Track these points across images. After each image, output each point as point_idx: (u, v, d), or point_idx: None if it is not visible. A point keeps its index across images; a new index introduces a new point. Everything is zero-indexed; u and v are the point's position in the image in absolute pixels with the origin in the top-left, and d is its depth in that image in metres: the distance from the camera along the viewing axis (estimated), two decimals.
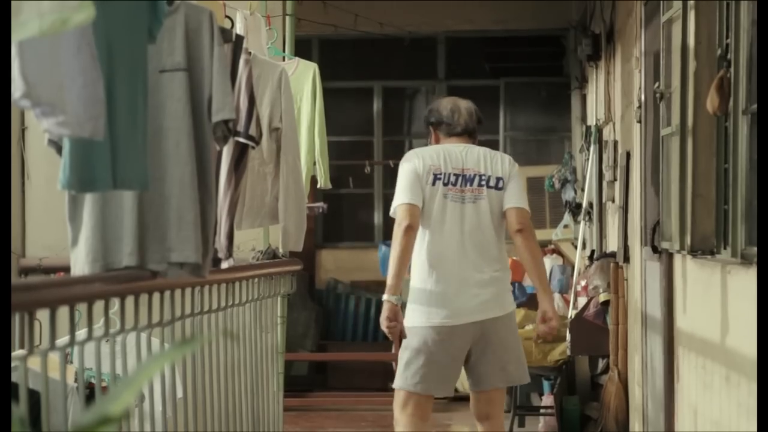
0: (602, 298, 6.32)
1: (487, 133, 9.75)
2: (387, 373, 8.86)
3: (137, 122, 2.59)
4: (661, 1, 4.63)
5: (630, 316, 6.00)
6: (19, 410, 1.79)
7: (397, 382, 4.25)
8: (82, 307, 2.55)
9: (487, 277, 4.16)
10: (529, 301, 7.87)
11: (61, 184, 2.42)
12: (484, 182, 4.22)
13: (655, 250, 4.84)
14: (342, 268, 9.53)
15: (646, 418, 5.39)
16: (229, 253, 3.40)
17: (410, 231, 4.11)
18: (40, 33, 1.82)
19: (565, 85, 9.38)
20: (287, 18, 5.43)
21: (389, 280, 4.11)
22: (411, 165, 4.22)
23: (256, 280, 3.98)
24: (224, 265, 3.40)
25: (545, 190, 8.88)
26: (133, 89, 2.58)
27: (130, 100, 2.56)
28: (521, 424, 6.91)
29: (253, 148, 3.71)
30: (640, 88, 5.55)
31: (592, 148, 7.40)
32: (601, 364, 6.63)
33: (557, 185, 8.64)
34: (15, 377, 2.31)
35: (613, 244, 6.70)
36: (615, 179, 6.59)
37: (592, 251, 7.43)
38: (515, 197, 4.24)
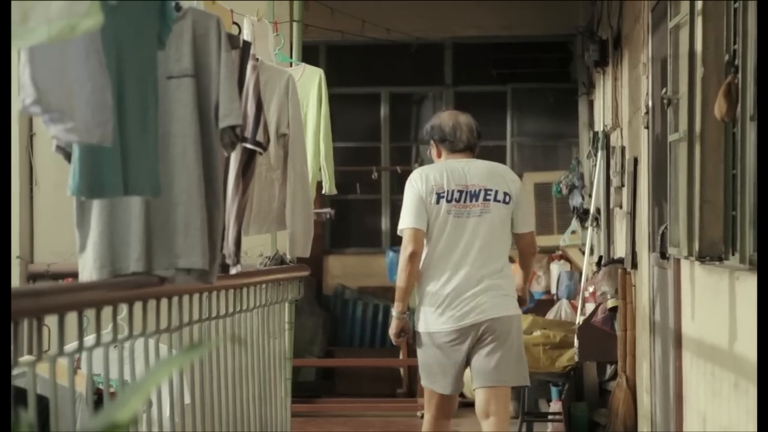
0: (610, 304, 6.31)
1: (495, 139, 9.75)
2: (394, 379, 8.86)
3: (147, 128, 2.60)
4: (669, 7, 4.63)
5: (638, 322, 5.99)
6: (28, 416, 1.79)
7: (423, 381, 4.64)
8: (90, 313, 2.56)
9: (488, 284, 4.44)
10: (536, 307, 7.87)
11: (71, 191, 2.43)
12: (490, 197, 4.47)
13: (663, 256, 4.83)
14: (349, 274, 9.52)
15: (655, 424, 5.38)
16: (237, 259, 3.40)
17: (415, 257, 4.45)
18: (48, 39, 1.83)
19: (573, 91, 9.37)
20: (294, 24, 5.44)
21: (397, 301, 4.54)
22: (415, 189, 4.50)
23: (263, 285, 3.98)
24: (232, 271, 3.40)
25: (552, 195, 8.87)
26: (142, 95, 2.59)
27: (140, 105, 2.57)
28: (529, 431, 6.90)
29: (261, 154, 3.72)
30: (647, 93, 5.55)
31: (599, 154, 7.40)
32: (609, 370, 6.62)
33: (565, 191, 8.63)
34: (23, 383, 2.31)
35: (620, 250, 6.69)
36: (622, 185, 6.59)
37: (600, 257, 7.42)
38: (527, 221, 4.64)
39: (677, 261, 4.59)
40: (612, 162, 6.97)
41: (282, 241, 4.70)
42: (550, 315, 7.62)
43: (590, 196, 7.90)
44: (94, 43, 2.20)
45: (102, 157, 2.42)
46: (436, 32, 9.58)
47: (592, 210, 7.68)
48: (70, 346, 2.46)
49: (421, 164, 8.41)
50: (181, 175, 2.88)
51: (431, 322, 4.45)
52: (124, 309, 2.81)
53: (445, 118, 4.73)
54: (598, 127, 7.90)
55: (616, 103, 6.97)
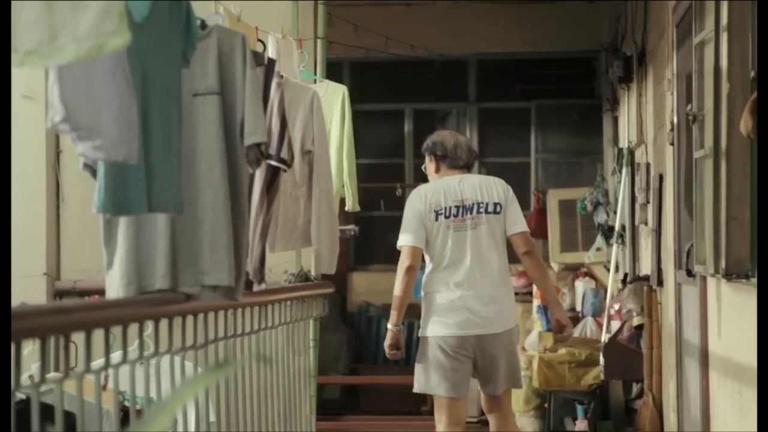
0: (636, 321, 6.27)
1: (519, 156, 9.74)
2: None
3: (172, 145, 2.61)
4: (694, 23, 4.61)
5: (664, 340, 5.95)
6: None
7: (415, 387, 4.83)
8: (116, 330, 2.57)
9: (489, 295, 4.69)
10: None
11: (96, 208, 2.44)
12: (482, 209, 4.73)
13: (689, 273, 4.80)
14: (374, 291, 9.52)
15: None
16: (262, 276, 3.40)
17: (411, 271, 4.74)
18: (77, 58, 1.84)
19: (597, 107, 9.35)
20: (318, 41, 5.46)
21: (393, 312, 4.77)
22: (415, 208, 4.79)
23: (288, 303, 3.98)
24: (257, 288, 3.41)
25: (577, 212, 8.84)
26: (167, 113, 2.60)
27: (164, 123, 2.58)
28: None
29: (285, 171, 3.73)
30: (672, 110, 5.52)
31: (624, 171, 7.37)
32: (635, 388, 6.58)
33: (589, 208, 8.60)
34: (51, 399, 2.32)
35: (646, 267, 6.65)
36: (648, 202, 6.55)
37: (625, 274, 7.38)
38: (517, 222, 4.77)
39: (703, 278, 4.56)
40: (637, 178, 6.94)
41: (306, 258, 4.70)
42: (576, 332, 7.58)
43: (615, 212, 7.87)
44: (121, 60, 2.22)
45: (127, 175, 2.44)
46: (459, 48, 9.59)
47: (617, 227, 7.64)
48: (97, 362, 2.47)
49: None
50: (206, 192, 2.89)
51: (436, 328, 4.69)
52: (150, 326, 2.82)
53: (447, 136, 4.99)
54: (623, 143, 7.87)
55: (641, 119, 6.95)
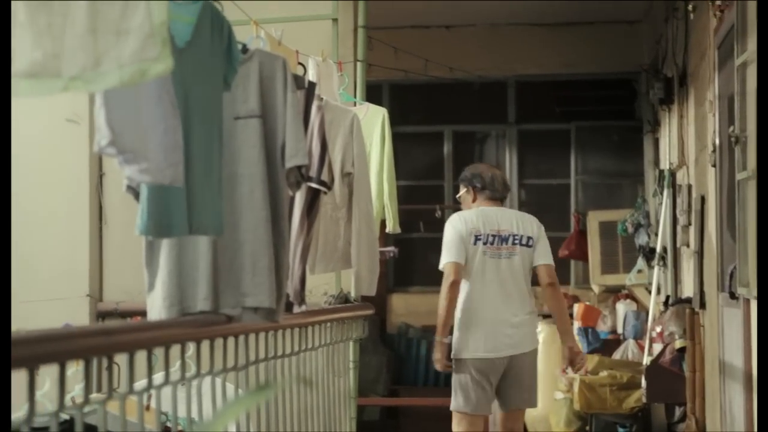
0: (678, 344, 6.21)
1: (558, 177, 9.71)
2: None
3: (213, 169, 2.63)
4: (736, 45, 4.59)
5: (707, 363, 5.89)
6: None
7: (452, 405, 5.08)
8: (158, 351, 2.58)
9: (518, 319, 5.00)
10: (603, 347, 7.78)
11: (139, 230, 2.47)
12: (517, 241, 5.05)
13: (732, 296, 4.76)
14: (413, 313, 9.50)
15: None
16: (302, 297, 3.42)
17: (455, 285, 4.99)
18: (120, 84, 1.87)
19: (637, 129, 9.30)
20: (358, 64, 5.49)
21: (439, 325, 5.02)
22: (456, 229, 5.05)
23: (328, 324, 3.99)
24: (297, 309, 3.42)
25: (618, 234, 8.79)
26: (209, 136, 2.63)
27: (206, 146, 2.61)
28: None
29: (325, 193, 3.74)
30: (714, 131, 5.49)
31: (665, 192, 7.32)
32: (678, 412, 6.51)
33: (630, 229, 8.55)
34: (95, 420, 2.34)
35: (688, 289, 6.59)
36: (689, 224, 6.50)
37: (667, 296, 7.32)
38: (544, 255, 5.09)
39: (747, 301, 4.51)
40: (678, 200, 6.89)
41: (346, 279, 4.71)
42: (617, 355, 7.53)
43: (656, 234, 7.81)
44: (166, 85, 2.25)
45: (169, 198, 2.46)
46: (498, 70, 9.59)
47: (658, 249, 7.59)
48: (140, 383, 2.49)
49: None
50: (248, 214, 2.91)
51: (470, 349, 4.97)
52: (191, 347, 2.84)
53: (484, 169, 5.33)
54: (664, 165, 7.82)
55: (682, 140, 6.90)
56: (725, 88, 5.25)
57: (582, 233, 9.15)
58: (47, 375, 2.24)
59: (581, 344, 7.81)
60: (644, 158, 9.22)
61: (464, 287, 5.02)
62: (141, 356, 2.43)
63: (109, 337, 2.27)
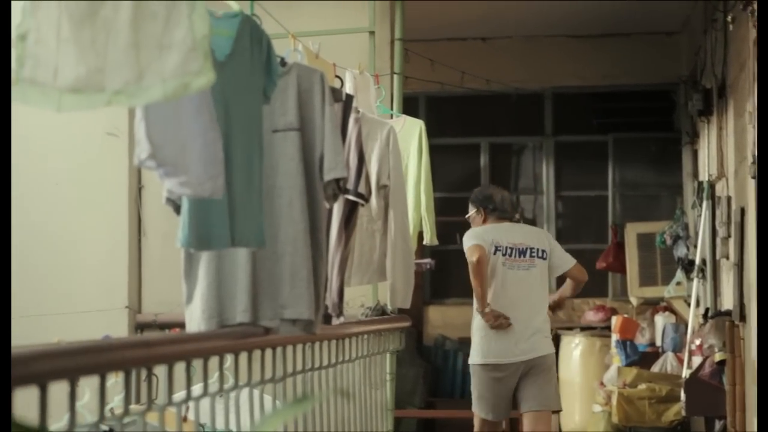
0: (718, 357, 6.15)
1: (596, 189, 9.65)
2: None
3: (253, 181, 2.65)
4: None
5: (747, 377, 5.82)
6: None
7: (474, 408, 5.41)
8: (197, 363, 2.60)
9: (534, 327, 5.30)
10: (641, 360, 7.72)
11: (181, 243, 2.48)
12: (534, 254, 5.38)
13: None
14: (450, 325, 9.48)
15: None
16: (340, 309, 3.42)
17: (482, 262, 5.24)
18: (163, 98, 1.89)
19: (676, 140, 9.24)
20: (395, 76, 5.50)
21: (479, 300, 5.30)
22: (478, 238, 5.36)
23: (365, 336, 3.99)
24: (335, 321, 3.42)
25: (656, 246, 8.73)
26: (249, 149, 2.64)
27: (246, 159, 2.62)
28: None
29: (363, 205, 3.75)
30: (754, 143, 5.44)
31: (704, 204, 7.26)
32: (718, 425, 6.44)
33: (669, 241, 8.48)
34: (134, 430, 2.36)
35: (728, 301, 6.53)
36: (729, 235, 6.45)
37: (707, 309, 7.26)
38: (567, 260, 5.49)
39: None
40: (718, 212, 6.83)
41: (383, 291, 4.72)
42: (655, 368, 7.47)
43: (695, 246, 7.75)
44: (206, 98, 2.26)
45: (210, 210, 2.48)
46: (535, 82, 9.57)
47: (697, 261, 7.53)
48: (178, 395, 2.51)
49: (521, 214, 8.41)
50: (287, 226, 2.92)
51: (488, 354, 5.28)
52: (229, 359, 2.85)
53: (495, 191, 5.66)
54: (703, 176, 7.76)
55: (722, 152, 6.85)
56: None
57: (620, 245, 9.09)
58: (87, 386, 2.26)
59: (619, 357, 7.76)
60: (683, 170, 9.15)
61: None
62: (179, 367, 2.44)
63: (149, 349, 2.28)
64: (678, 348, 7.65)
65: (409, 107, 6.35)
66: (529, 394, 5.29)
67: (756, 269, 3.74)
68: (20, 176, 6.07)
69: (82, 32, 1.92)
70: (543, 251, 5.41)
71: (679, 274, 8.29)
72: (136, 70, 1.91)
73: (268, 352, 3.02)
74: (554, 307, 5.59)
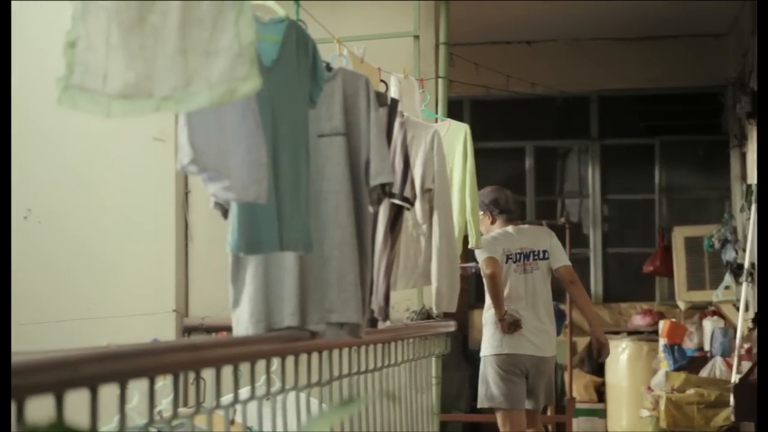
0: None
1: (642, 192, 9.58)
2: None
3: (300, 186, 2.66)
4: None
5: None
6: None
7: (487, 403, 5.61)
8: (244, 366, 2.61)
9: (542, 326, 5.59)
10: (689, 365, 7.65)
11: (230, 247, 2.50)
12: (538, 256, 5.68)
13: None
14: None
15: None
16: (387, 313, 3.43)
17: (495, 275, 5.53)
18: (210, 104, 1.90)
19: (724, 143, 9.15)
20: (440, 80, 5.50)
21: (497, 309, 5.54)
22: (491, 251, 5.59)
23: (411, 340, 3.99)
24: (381, 325, 3.43)
25: (704, 250, 8.65)
26: (295, 153, 2.66)
27: (293, 164, 2.64)
28: None
29: (408, 209, 3.75)
30: None
31: (753, 207, 7.18)
32: None
33: (717, 245, 8.40)
34: None
35: None
36: None
37: (756, 313, 7.17)
38: (560, 258, 5.72)
39: None
40: None
41: (428, 295, 4.71)
42: (704, 373, 7.39)
43: (744, 250, 7.67)
44: (250, 103, 2.28)
45: (259, 214, 2.49)
46: (580, 85, 9.53)
47: (746, 265, 7.44)
48: (226, 398, 2.52)
49: (567, 218, 8.36)
50: (333, 231, 2.93)
51: (501, 345, 5.53)
52: (276, 362, 2.86)
53: (499, 193, 5.83)
54: (752, 179, 7.67)
55: None
56: None
57: (667, 249, 9.02)
58: (136, 389, 2.28)
59: (667, 361, 7.69)
60: (731, 173, 9.06)
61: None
62: (227, 371, 2.46)
63: (197, 353, 2.30)
64: (727, 353, 7.57)
65: (454, 111, 6.35)
66: (535, 392, 5.57)
67: None
68: (71, 182, 6.15)
69: (130, 39, 1.95)
70: (544, 251, 5.70)
71: (728, 278, 8.21)
72: (184, 76, 1.93)
73: (315, 355, 3.03)
74: (599, 348, 5.65)
